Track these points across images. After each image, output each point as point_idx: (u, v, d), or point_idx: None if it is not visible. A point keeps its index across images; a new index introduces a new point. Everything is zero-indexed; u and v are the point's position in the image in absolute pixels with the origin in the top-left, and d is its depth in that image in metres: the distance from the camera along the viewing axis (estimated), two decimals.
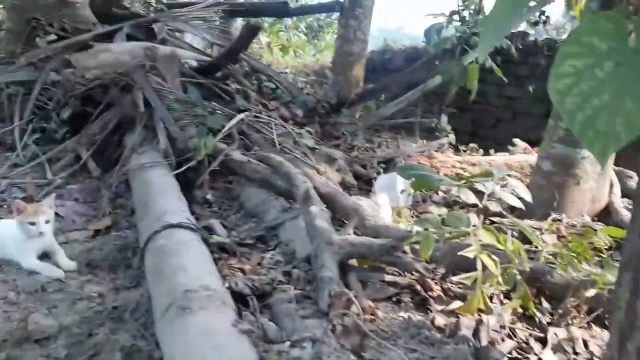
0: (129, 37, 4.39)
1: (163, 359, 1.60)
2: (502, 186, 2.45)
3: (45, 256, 2.43)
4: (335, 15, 13.30)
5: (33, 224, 2.27)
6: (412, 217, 3.26)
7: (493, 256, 1.96)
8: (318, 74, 8.13)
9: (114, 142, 3.95)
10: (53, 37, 4.71)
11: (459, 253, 1.92)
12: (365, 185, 3.87)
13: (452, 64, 4.08)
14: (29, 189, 3.27)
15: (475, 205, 3.46)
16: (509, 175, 2.23)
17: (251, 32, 3.83)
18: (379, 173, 3.90)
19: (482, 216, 2.13)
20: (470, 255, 1.91)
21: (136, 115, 3.77)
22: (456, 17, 4.67)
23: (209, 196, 3.23)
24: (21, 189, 3.31)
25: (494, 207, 2.16)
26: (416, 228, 2.03)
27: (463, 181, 2.33)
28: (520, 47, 4.73)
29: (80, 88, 4.11)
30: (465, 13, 4.66)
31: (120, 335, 1.84)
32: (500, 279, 2.02)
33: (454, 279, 2.04)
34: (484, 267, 1.94)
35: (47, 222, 2.31)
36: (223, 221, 2.88)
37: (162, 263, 1.96)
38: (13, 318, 1.98)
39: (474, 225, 2.04)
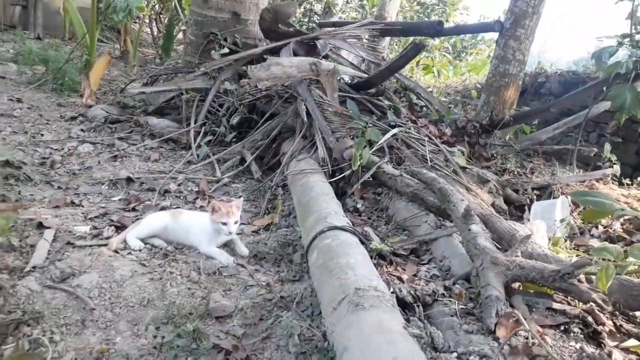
0: (293, 53, 4.72)
1: (333, 349, 1.70)
2: None
3: (223, 245, 2.72)
4: (480, 36, 13.12)
5: (225, 224, 2.56)
6: (571, 249, 3.07)
7: None
8: (462, 94, 7.98)
9: (273, 149, 4.27)
10: (226, 50, 5.25)
11: None
12: (516, 211, 3.72)
13: (625, 90, 3.78)
14: (202, 184, 3.66)
15: None
16: None
17: (416, 51, 3.92)
18: (532, 200, 3.73)
19: None
20: None
21: (296, 125, 4.04)
22: (627, 40, 4.34)
23: (359, 205, 3.34)
24: (195, 184, 3.72)
25: None
26: (595, 258, 1.91)
27: None
28: None
29: (248, 98, 4.53)
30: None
31: (292, 322, 1.99)
32: None
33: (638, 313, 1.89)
34: None
35: (235, 222, 2.60)
36: (374, 230, 2.96)
37: (330, 260, 2.08)
38: (196, 295, 2.25)
39: None
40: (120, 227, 2.80)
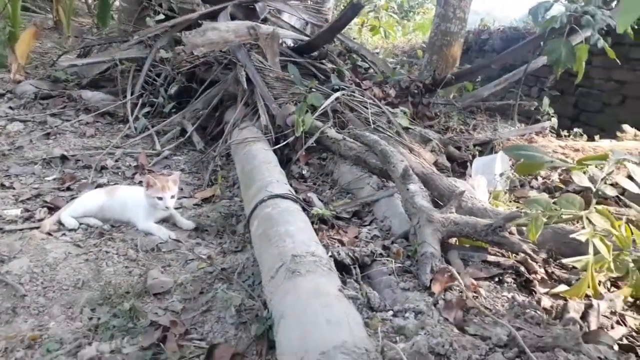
0: (231, 17, 4.56)
1: (272, 317, 1.70)
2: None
3: (163, 221, 2.65)
4: None
5: (160, 198, 2.48)
6: (510, 201, 3.16)
7: (606, 241, 1.87)
8: (408, 54, 7.99)
9: (215, 118, 4.16)
10: (161, 16, 5.01)
11: (572, 235, 1.85)
12: (459, 168, 3.79)
13: (560, 45, 3.84)
14: (141, 158, 3.54)
15: (579, 192, 3.32)
16: (628, 160, 2.09)
17: (354, 11, 3.84)
18: (474, 156, 3.80)
19: (594, 200, 2.03)
20: (583, 238, 1.83)
21: (237, 93, 3.94)
22: None
23: (304, 171, 3.32)
24: (133, 158, 3.59)
25: (610, 191, 2.04)
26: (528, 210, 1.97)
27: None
28: (637, 27, 4.34)
29: (187, 65, 4.36)
30: None
31: (229, 294, 1.97)
32: (612, 265, 1.93)
33: (564, 261, 1.96)
34: (596, 252, 1.85)
35: (172, 197, 2.52)
36: (318, 195, 2.95)
37: (270, 229, 2.06)
38: (134, 273, 2.19)
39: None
40: (53, 209, 2.68)
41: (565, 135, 4.42)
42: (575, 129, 4.35)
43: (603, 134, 4.61)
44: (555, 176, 3.59)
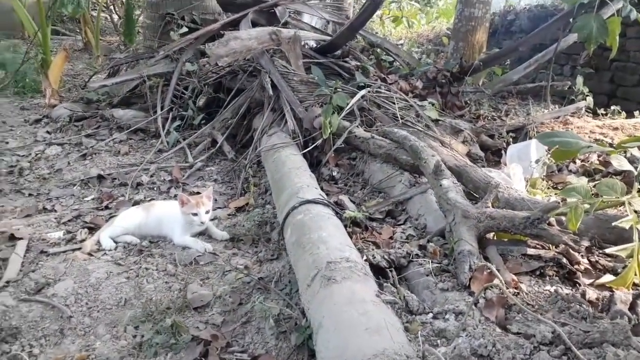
0: (252, 23, 4.58)
1: (310, 326, 1.70)
2: None
3: (199, 234, 2.69)
4: None
5: (195, 214, 2.52)
6: (549, 188, 3.07)
7: None
8: (434, 42, 7.86)
9: (244, 126, 4.20)
10: (185, 29, 5.09)
11: (614, 224, 1.78)
12: (493, 157, 3.71)
13: (591, 19, 3.69)
14: (174, 172, 3.61)
15: (620, 174, 3.19)
16: None
17: (375, 6, 3.80)
18: (508, 143, 3.71)
19: (637, 184, 1.94)
20: (626, 225, 1.76)
21: (264, 99, 3.96)
22: None
23: (334, 173, 3.31)
24: (167, 172, 3.66)
25: None
26: (566, 199, 1.90)
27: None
28: None
29: (212, 76, 4.42)
30: None
31: (268, 304, 1.98)
32: None
33: (608, 251, 1.89)
34: None
35: (207, 212, 2.56)
36: (350, 197, 2.94)
37: (303, 236, 2.06)
38: (174, 288, 2.23)
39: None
40: (94, 228, 2.76)
41: (602, 114, 4.26)
42: (613, 107, 4.18)
43: None
44: (594, 158, 3.47)
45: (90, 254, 2.49)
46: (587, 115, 4.18)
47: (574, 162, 3.46)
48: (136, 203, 3.06)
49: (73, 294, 2.16)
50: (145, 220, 2.65)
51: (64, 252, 2.52)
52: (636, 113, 4.06)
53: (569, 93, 4.67)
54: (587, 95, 4.39)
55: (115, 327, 1.97)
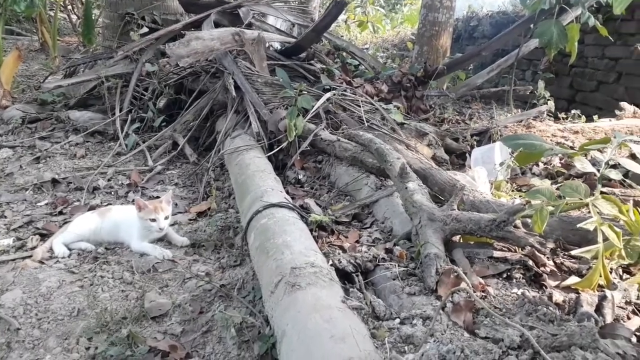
0: (215, 24, 4.49)
1: (274, 334, 1.63)
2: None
3: (158, 240, 2.58)
4: None
5: (154, 220, 2.42)
6: (513, 190, 3.09)
7: (615, 227, 1.80)
8: (399, 47, 7.92)
9: (207, 128, 4.09)
10: (145, 29, 4.95)
11: (579, 225, 1.78)
12: (458, 160, 3.73)
13: (551, 26, 3.76)
14: (133, 176, 3.47)
15: (581, 176, 3.25)
16: (630, 141, 2.02)
17: (338, 9, 3.76)
18: (472, 146, 3.73)
19: (599, 185, 1.95)
20: (591, 227, 1.76)
21: (227, 101, 3.87)
22: None
23: (300, 176, 3.25)
24: (126, 176, 3.52)
25: (615, 175, 1.97)
26: (532, 201, 1.89)
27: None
28: None
29: (174, 77, 4.30)
30: None
31: (230, 312, 1.90)
32: (623, 252, 1.86)
33: (573, 253, 1.89)
34: (605, 240, 1.78)
35: (166, 218, 2.46)
36: (316, 200, 2.88)
37: (267, 241, 1.99)
38: (130, 297, 2.12)
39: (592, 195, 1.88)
40: (46, 235, 2.62)
41: (563, 118, 4.35)
42: (573, 111, 4.28)
43: (601, 112, 4.54)
44: (556, 161, 3.52)
45: (41, 262, 2.35)
46: (549, 119, 4.26)
47: (537, 165, 3.51)
48: (92, 208, 2.92)
49: (22, 304, 2.03)
50: (100, 226, 2.53)
51: (13, 260, 2.38)
52: (595, 117, 4.16)
53: (531, 97, 4.76)
54: (549, 100, 4.48)
55: (67, 339, 1.85)
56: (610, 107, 4.83)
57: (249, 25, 4.47)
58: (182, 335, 1.86)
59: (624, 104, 4.16)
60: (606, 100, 5.21)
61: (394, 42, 8.65)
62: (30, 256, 2.40)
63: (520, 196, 2.95)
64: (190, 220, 2.89)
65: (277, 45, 4.83)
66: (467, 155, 3.66)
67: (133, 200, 3.03)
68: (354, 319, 1.52)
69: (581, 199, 1.86)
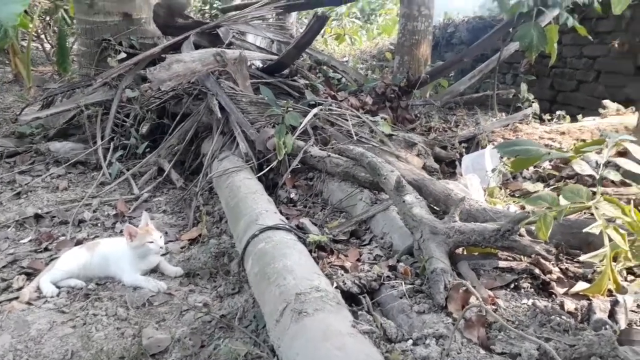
0: (195, 46, 4.43)
1: None
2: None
3: (151, 272, 2.49)
4: None
5: (151, 242, 2.34)
6: (507, 196, 3.07)
7: (620, 230, 1.78)
8: (377, 58, 7.94)
9: (192, 151, 4.02)
10: (123, 55, 4.87)
11: (585, 230, 1.75)
12: (448, 168, 3.70)
13: (530, 28, 3.79)
14: (119, 205, 3.37)
15: (572, 177, 3.24)
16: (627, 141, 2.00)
17: (320, 24, 3.73)
18: (461, 154, 3.72)
19: (599, 187, 1.93)
20: (596, 231, 1.73)
21: (212, 122, 3.80)
22: None
23: (292, 195, 3.19)
24: (111, 206, 3.42)
25: (613, 176, 1.95)
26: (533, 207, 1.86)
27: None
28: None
29: (155, 102, 4.22)
30: None
31: (232, 344, 1.82)
32: (629, 254, 1.84)
33: (581, 258, 1.86)
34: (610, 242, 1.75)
35: (161, 237, 2.41)
36: (311, 219, 2.82)
37: (267, 266, 1.92)
38: (127, 334, 2.02)
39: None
40: (32, 274, 2.50)
41: (548, 120, 4.37)
42: (558, 112, 4.30)
43: (583, 112, 4.57)
44: (546, 164, 3.52)
45: (29, 303, 2.23)
46: (535, 122, 4.28)
47: (527, 169, 3.50)
48: (79, 242, 2.81)
49: (11, 350, 1.92)
50: (90, 261, 2.42)
51: None
52: (579, 117, 4.18)
53: (514, 101, 4.78)
54: (533, 102, 4.50)
55: None
56: (591, 106, 4.88)
57: (230, 45, 4.42)
58: None
59: (607, 102, 4.19)
60: (587, 99, 5.27)
61: (372, 53, 8.68)
62: (17, 297, 2.28)
63: (514, 202, 2.93)
64: (182, 248, 2.80)
65: (259, 63, 4.79)
66: (457, 163, 3.64)
67: (121, 231, 2.95)
68: (366, 344, 1.46)
69: (583, 203, 1.83)
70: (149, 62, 4.60)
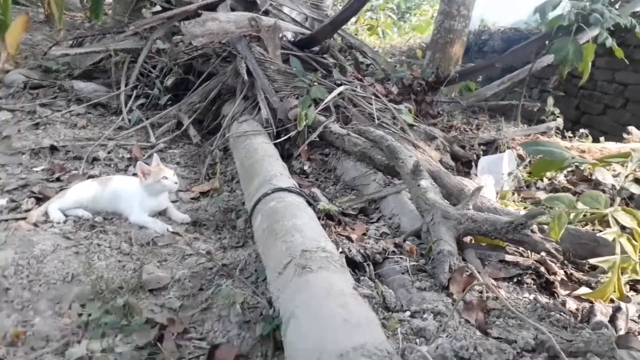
0: (231, 9, 4.42)
1: (279, 316, 1.56)
2: None
3: (158, 214, 2.51)
4: None
5: (166, 178, 2.36)
6: (519, 202, 3.06)
7: (633, 241, 1.77)
8: (407, 55, 7.90)
9: (212, 112, 4.02)
10: (158, 8, 4.86)
11: (599, 235, 1.75)
12: (463, 167, 3.69)
13: (568, 43, 3.76)
14: (134, 150, 3.39)
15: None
16: None
17: (360, 3, 3.71)
18: (479, 155, 3.70)
19: (618, 198, 1.92)
20: (610, 237, 1.73)
21: (236, 86, 3.81)
22: None
23: (306, 167, 3.20)
24: (127, 150, 3.44)
25: (635, 189, 1.94)
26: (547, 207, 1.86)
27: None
28: None
29: (184, 57, 4.22)
30: None
31: (233, 291, 1.83)
32: (637, 267, 1.83)
33: (592, 261, 1.85)
34: (622, 252, 1.75)
35: (173, 174, 2.42)
36: (322, 192, 2.83)
37: (276, 223, 1.92)
38: (127, 267, 2.04)
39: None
40: (42, 199, 2.53)
41: (569, 137, 4.33)
42: (582, 130, 4.26)
43: (606, 136, 4.52)
44: (561, 177, 3.50)
45: (35, 225, 2.26)
46: (557, 136, 4.25)
47: (542, 180, 3.48)
48: (91, 177, 2.83)
49: (13, 264, 1.94)
50: (100, 194, 2.44)
51: (6, 220, 2.29)
52: (602, 139, 4.15)
53: (538, 115, 4.75)
54: (558, 117, 4.47)
55: (59, 303, 1.77)
56: (615, 132, 4.83)
57: (266, 13, 4.41)
58: (180, 310, 1.79)
59: (631, 128, 4.15)
60: (612, 125, 5.22)
61: (402, 49, 8.64)
62: (25, 218, 2.31)
63: (525, 207, 2.92)
64: (192, 199, 2.82)
65: (290, 36, 4.77)
66: (473, 163, 3.63)
67: (134, 174, 2.97)
68: (365, 308, 1.47)
69: (601, 210, 1.82)
70: (182, 18, 4.59)
